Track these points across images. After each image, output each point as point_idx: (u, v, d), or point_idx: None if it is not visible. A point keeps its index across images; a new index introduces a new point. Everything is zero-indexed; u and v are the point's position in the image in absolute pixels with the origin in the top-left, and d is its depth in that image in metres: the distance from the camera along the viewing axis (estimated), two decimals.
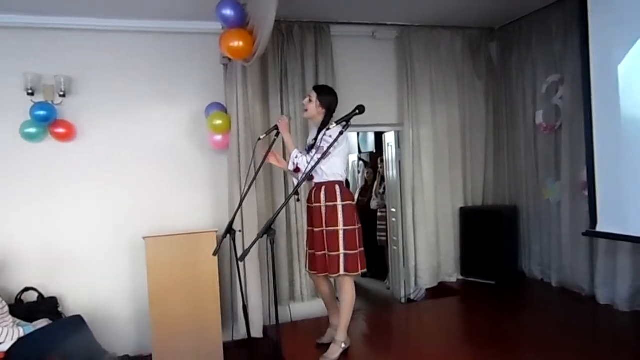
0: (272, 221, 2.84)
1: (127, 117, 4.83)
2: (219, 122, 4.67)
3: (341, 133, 3.22)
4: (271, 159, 3.74)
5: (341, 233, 3.57)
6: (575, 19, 4.67)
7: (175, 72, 4.95)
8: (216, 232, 4.66)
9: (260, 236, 2.83)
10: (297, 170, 3.65)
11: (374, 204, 7.11)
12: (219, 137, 4.79)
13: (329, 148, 3.21)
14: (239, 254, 4.17)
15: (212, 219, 5.01)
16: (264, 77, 5.02)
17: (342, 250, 3.57)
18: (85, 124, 4.73)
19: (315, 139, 3.62)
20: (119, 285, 4.80)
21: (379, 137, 7.65)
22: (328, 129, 3.27)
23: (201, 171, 5.03)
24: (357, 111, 3.20)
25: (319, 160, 3.20)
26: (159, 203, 4.89)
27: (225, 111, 4.82)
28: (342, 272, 3.57)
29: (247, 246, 4.44)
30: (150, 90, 4.89)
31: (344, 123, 3.23)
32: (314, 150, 3.52)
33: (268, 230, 2.85)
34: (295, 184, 3.85)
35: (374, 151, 8.32)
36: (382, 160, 6.94)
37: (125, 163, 4.83)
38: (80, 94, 4.72)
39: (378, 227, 7.09)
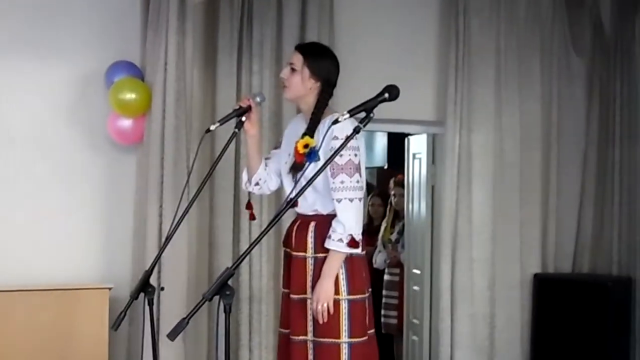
0: (231, 273, 2.93)
1: None
2: (130, 95, 4.78)
3: (356, 131, 3.32)
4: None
5: (344, 306, 3.66)
6: None
7: (53, 5, 5.07)
8: (110, 289, 4.71)
9: (208, 299, 2.90)
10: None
11: (380, 260, 7.25)
12: (126, 123, 4.90)
13: (333, 156, 3.31)
14: (162, 328, 4.25)
15: (102, 266, 5.11)
16: (212, 23, 5.18)
17: (344, 337, 3.64)
18: None
19: (308, 131, 3.69)
20: None
21: (396, 142, 7.84)
22: (336, 121, 3.37)
23: (88, 181, 5.12)
24: (387, 95, 3.28)
25: (313, 177, 3.28)
26: (6, 234, 4.93)
27: (142, 78, 4.95)
28: None
29: (168, 314, 4.58)
30: (5, 34, 4.98)
31: (363, 113, 3.33)
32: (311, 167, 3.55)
33: (222, 290, 2.93)
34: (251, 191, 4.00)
35: (385, 166, 8.52)
36: (399, 184, 7.11)
37: None
38: None
39: (385, 300, 7.20)
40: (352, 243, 3.62)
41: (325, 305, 3.60)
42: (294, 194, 3.36)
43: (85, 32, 5.11)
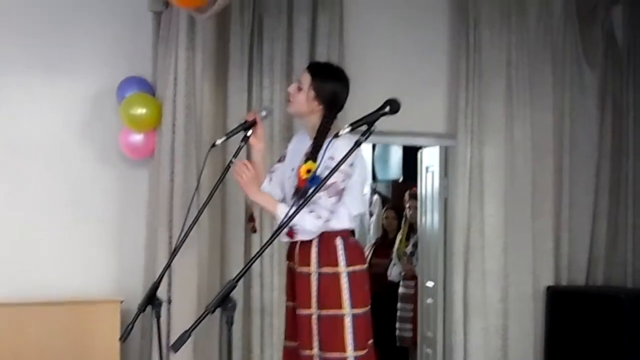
0: (234, 285, 2.95)
1: None
2: (141, 110, 4.85)
3: (357, 144, 3.33)
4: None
5: (348, 321, 3.69)
6: None
7: (67, 23, 5.15)
8: (121, 302, 4.76)
9: (210, 311, 2.93)
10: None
11: (394, 273, 7.26)
12: (138, 138, 4.97)
13: (331, 173, 3.32)
14: (173, 340, 4.26)
15: (113, 280, 5.16)
16: (223, 39, 5.23)
17: (350, 351, 3.67)
18: None
19: (310, 156, 3.72)
20: None
21: (410, 155, 7.85)
22: (337, 135, 3.39)
23: (100, 195, 5.18)
24: (387, 109, 3.29)
25: (309, 197, 3.29)
26: (19, 247, 5.01)
27: (153, 93, 5.02)
28: None
29: (178, 326, 4.53)
30: (21, 51, 5.07)
31: (364, 127, 3.35)
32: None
33: (224, 302, 2.96)
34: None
35: (400, 179, 8.51)
36: (413, 197, 7.13)
37: None
38: None
39: (399, 313, 7.23)
40: (290, 233, 3.74)
41: (238, 178, 3.76)
42: (287, 217, 3.31)
43: (97, 48, 5.19)
